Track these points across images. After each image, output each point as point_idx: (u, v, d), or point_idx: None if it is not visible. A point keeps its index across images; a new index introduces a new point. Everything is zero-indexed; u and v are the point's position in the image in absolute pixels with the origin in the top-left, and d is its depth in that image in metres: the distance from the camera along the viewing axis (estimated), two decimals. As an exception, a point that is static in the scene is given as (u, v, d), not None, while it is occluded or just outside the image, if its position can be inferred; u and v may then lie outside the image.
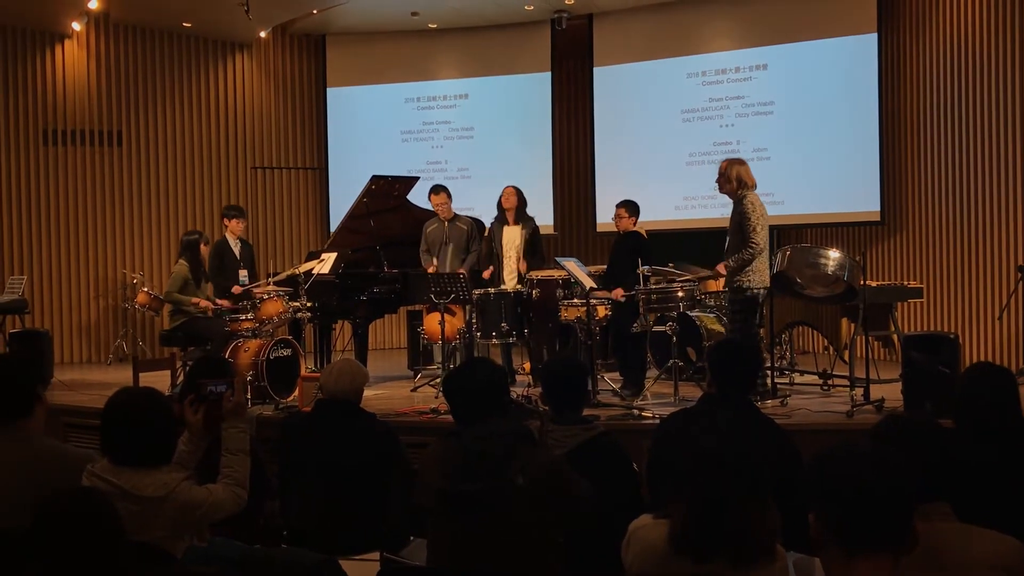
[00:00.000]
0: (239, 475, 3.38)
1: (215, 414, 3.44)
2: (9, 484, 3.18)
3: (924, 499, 2.35)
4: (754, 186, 6.75)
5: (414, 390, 7.89)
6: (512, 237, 8.30)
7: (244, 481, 3.39)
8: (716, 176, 6.89)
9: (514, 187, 8.35)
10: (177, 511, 3.11)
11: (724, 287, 6.98)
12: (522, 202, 8.30)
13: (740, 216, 6.64)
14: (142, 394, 3.32)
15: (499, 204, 8.36)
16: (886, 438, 2.55)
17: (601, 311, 7.42)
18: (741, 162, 6.85)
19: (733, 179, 6.72)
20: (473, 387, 3.40)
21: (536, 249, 8.31)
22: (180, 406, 3.47)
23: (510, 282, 8.19)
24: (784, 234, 9.97)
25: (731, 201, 6.83)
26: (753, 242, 6.54)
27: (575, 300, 7.49)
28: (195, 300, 7.88)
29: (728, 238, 6.81)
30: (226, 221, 8.51)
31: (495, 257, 8.39)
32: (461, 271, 7.92)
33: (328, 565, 3.11)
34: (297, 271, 7.82)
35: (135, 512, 2.99)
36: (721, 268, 6.84)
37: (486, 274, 8.37)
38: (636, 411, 6.50)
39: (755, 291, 6.64)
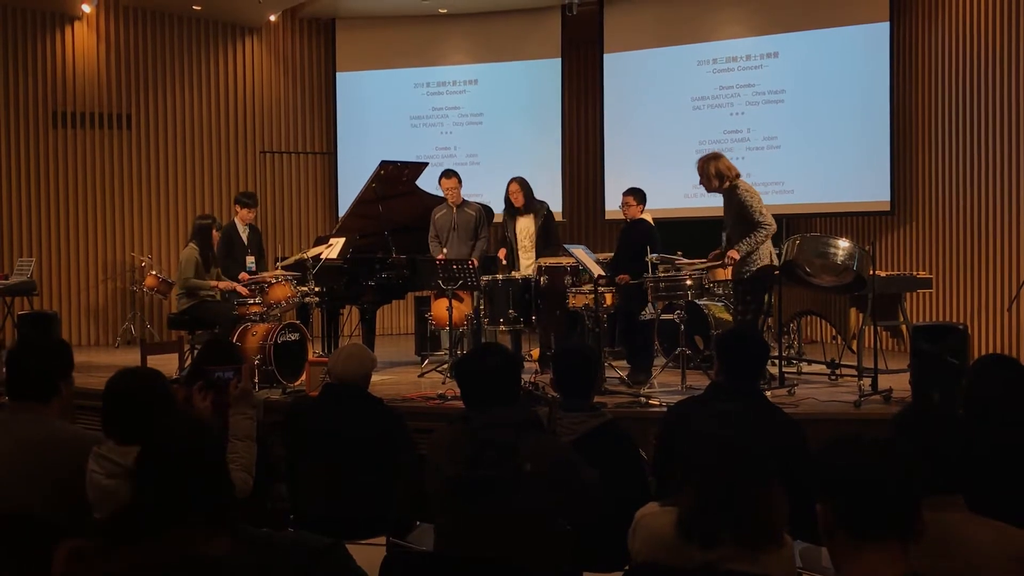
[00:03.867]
0: (245, 461, 3.39)
1: (222, 400, 3.45)
2: (20, 466, 3.18)
3: (939, 490, 2.35)
4: (737, 175, 6.69)
5: (421, 376, 7.89)
6: (526, 226, 8.30)
7: (250, 467, 3.40)
8: (699, 179, 6.79)
9: (517, 180, 8.27)
10: None
11: (732, 276, 6.93)
12: (529, 192, 8.28)
13: (739, 206, 6.58)
14: (138, 372, 3.33)
15: (507, 199, 8.33)
16: (907, 428, 2.54)
17: (609, 299, 7.41)
18: (716, 156, 6.76)
19: (713, 176, 6.67)
20: (485, 372, 3.39)
21: (551, 236, 8.32)
22: (187, 390, 3.48)
23: (527, 270, 8.18)
24: (793, 223, 9.94)
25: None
26: (765, 223, 6.49)
27: (583, 287, 7.48)
28: (214, 283, 7.86)
29: (727, 230, 6.77)
30: (237, 208, 8.53)
31: (510, 246, 8.39)
32: (472, 260, 7.90)
33: (335, 549, 3.12)
34: (305, 256, 7.82)
35: None
36: (734, 253, 6.59)
37: (501, 253, 8.37)
38: (643, 399, 6.50)
39: (762, 268, 6.57)
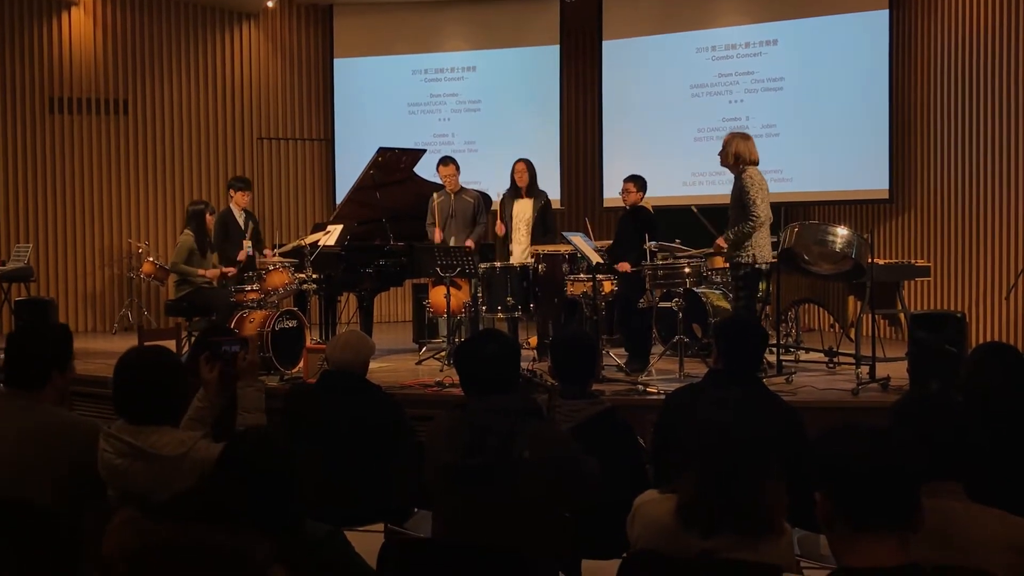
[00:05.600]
0: None
1: (229, 372, 3.44)
2: (20, 454, 3.17)
3: (938, 478, 2.34)
4: (756, 162, 6.75)
5: (419, 363, 7.88)
6: (523, 210, 8.30)
7: None
8: (720, 149, 6.91)
9: (525, 161, 8.34)
10: (195, 469, 3.08)
11: (726, 262, 7.01)
12: (533, 175, 8.31)
13: (740, 190, 6.68)
14: (152, 351, 3.32)
15: (512, 177, 8.35)
16: (906, 416, 2.53)
17: (607, 286, 7.41)
18: (745, 137, 6.85)
19: (731, 153, 6.75)
20: (484, 359, 3.37)
21: (547, 224, 8.31)
22: (191, 368, 3.48)
23: (520, 255, 8.18)
24: (792, 211, 9.94)
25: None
26: (753, 215, 6.56)
27: (581, 275, 7.47)
28: (202, 272, 7.88)
29: (729, 212, 6.82)
30: (232, 192, 8.52)
31: (505, 230, 8.38)
32: (468, 243, 7.89)
33: (333, 536, 3.12)
34: (303, 243, 7.80)
35: (153, 471, 2.99)
36: (721, 242, 6.85)
37: (499, 228, 8.36)
38: (641, 387, 6.51)
39: (758, 265, 6.66)
